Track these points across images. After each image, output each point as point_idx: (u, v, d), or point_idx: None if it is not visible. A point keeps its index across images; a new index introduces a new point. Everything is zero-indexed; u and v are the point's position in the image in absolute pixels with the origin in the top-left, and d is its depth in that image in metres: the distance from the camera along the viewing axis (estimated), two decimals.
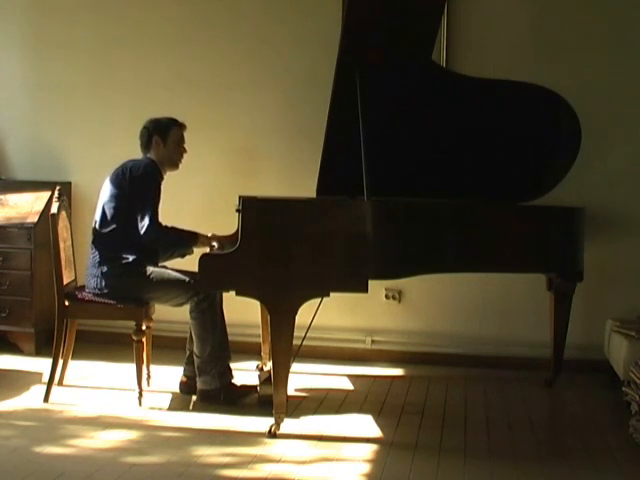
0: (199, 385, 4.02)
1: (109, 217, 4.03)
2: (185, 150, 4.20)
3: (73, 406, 3.95)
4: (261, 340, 4.55)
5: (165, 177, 4.16)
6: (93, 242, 4.08)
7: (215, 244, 4.13)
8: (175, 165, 4.19)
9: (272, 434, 3.59)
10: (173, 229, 4.10)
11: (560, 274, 4.32)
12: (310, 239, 3.57)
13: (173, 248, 4.12)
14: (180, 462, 3.29)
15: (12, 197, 5.05)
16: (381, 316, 5.00)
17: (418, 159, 4.24)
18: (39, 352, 4.85)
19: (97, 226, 4.08)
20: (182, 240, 4.11)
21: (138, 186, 4.00)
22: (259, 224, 3.57)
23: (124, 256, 3.98)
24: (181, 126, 4.18)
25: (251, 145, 5.09)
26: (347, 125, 3.81)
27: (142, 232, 3.95)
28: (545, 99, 4.19)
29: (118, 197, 4.02)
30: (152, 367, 4.34)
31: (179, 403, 4.05)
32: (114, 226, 4.02)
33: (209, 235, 4.14)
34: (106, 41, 5.20)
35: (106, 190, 4.09)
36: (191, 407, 4.00)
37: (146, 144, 4.14)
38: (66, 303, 4.03)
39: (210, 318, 3.98)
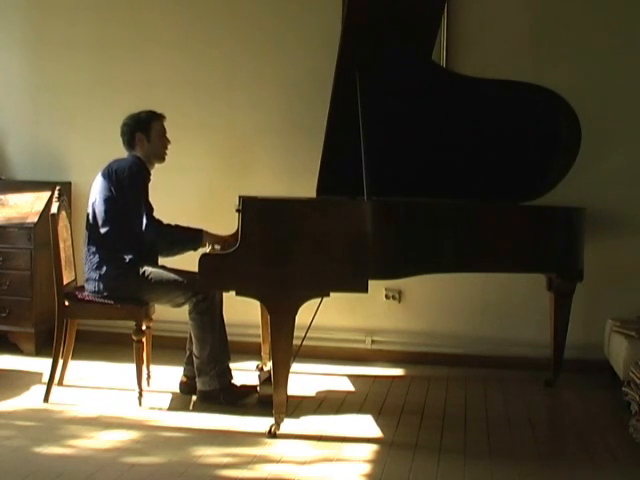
0: (199, 386, 4.02)
1: (102, 220, 4.02)
2: (169, 141, 4.18)
3: (73, 406, 3.95)
4: (261, 340, 4.55)
5: (159, 172, 4.18)
6: (88, 244, 4.06)
7: (217, 246, 4.12)
8: (162, 158, 4.17)
9: (272, 434, 3.59)
10: (177, 227, 4.09)
11: (560, 274, 4.31)
12: (310, 239, 3.57)
13: (178, 245, 4.11)
14: (180, 462, 3.29)
15: (12, 197, 5.05)
16: (381, 316, 5.00)
17: (418, 159, 4.24)
18: (39, 352, 4.85)
19: (90, 228, 4.07)
20: (186, 237, 4.09)
21: (126, 189, 3.99)
22: (259, 224, 3.57)
23: (121, 257, 3.98)
24: (161, 117, 4.15)
25: (251, 145, 5.09)
26: (347, 125, 3.81)
27: (143, 233, 3.96)
28: (545, 99, 4.19)
29: (108, 199, 4.01)
30: (152, 367, 4.34)
31: (179, 403, 4.05)
32: (107, 228, 4.01)
33: (218, 235, 4.13)
34: (106, 41, 5.20)
35: (95, 191, 4.09)
36: (191, 407, 4.00)
37: (129, 142, 4.12)
38: (66, 303, 4.03)
39: (209, 319, 3.98)
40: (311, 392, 4.30)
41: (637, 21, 4.71)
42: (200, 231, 4.10)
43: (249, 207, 3.61)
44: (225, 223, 4.38)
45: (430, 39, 4.05)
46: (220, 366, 4.00)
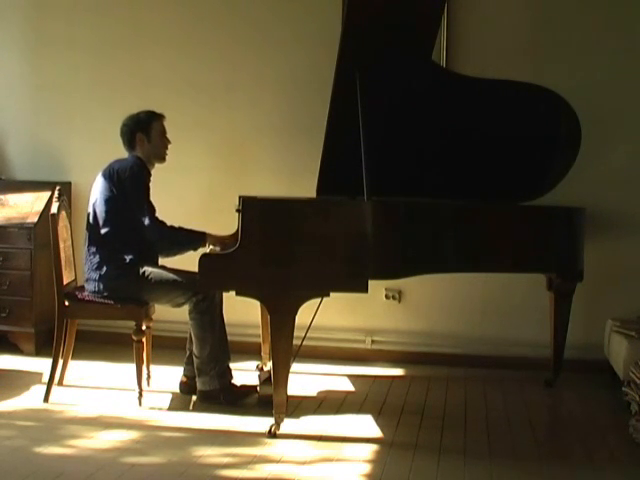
0: (199, 386, 4.02)
1: (102, 220, 4.02)
2: (169, 141, 4.18)
3: (73, 406, 3.95)
4: (261, 340, 4.55)
5: (159, 172, 4.18)
6: (88, 244, 4.06)
7: (217, 247, 4.12)
8: (162, 158, 4.17)
9: (272, 434, 3.60)
10: (180, 229, 4.08)
11: (560, 274, 4.31)
12: (310, 239, 3.57)
13: (178, 246, 4.10)
14: (180, 462, 3.30)
15: (12, 197, 5.05)
16: (381, 316, 5.00)
17: (418, 159, 4.24)
18: (39, 352, 4.85)
19: (90, 228, 4.07)
20: (189, 240, 4.08)
21: (128, 189, 3.99)
22: (259, 224, 3.58)
23: (121, 257, 3.98)
24: (161, 117, 4.16)
25: (251, 144, 5.08)
26: (347, 125, 3.81)
27: (145, 233, 3.96)
28: (545, 99, 4.19)
29: (109, 200, 4.01)
30: (152, 367, 4.34)
31: (179, 403, 4.05)
32: (108, 229, 4.01)
33: (221, 236, 4.12)
34: (106, 41, 5.20)
35: (95, 192, 4.09)
36: (191, 407, 4.00)
37: (130, 142, 4.11)
38: (66, 303, 4.03)
39: (209, 319, 3.98)
40: (311, 392, 4.30)
41: (637, 21, 4.71)
42: (203, 234, 4.09)
43: (249, 207, 3.61)
44: (225, 223, 4.38)
45: (430, 39, 4.05)
46: (220, 366, 4.00)
